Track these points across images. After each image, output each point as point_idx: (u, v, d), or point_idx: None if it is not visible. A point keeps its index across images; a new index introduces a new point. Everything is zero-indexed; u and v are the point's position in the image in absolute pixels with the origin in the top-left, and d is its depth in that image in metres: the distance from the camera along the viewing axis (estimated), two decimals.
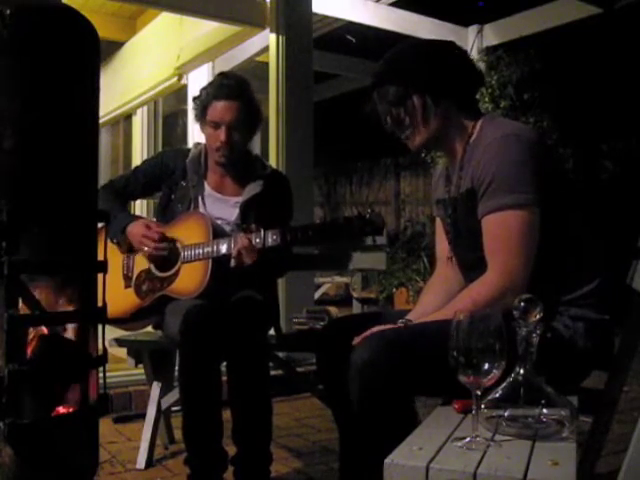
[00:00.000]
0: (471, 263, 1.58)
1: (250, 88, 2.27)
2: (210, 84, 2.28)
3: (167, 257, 2.25)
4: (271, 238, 2.03)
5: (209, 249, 2.14)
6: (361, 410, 1.40)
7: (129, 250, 2.32)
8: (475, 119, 1.58)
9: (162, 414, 2.49)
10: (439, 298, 1.64)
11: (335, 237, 2.00)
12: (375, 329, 1.52)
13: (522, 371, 1.18)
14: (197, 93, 2.30)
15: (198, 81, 4.73)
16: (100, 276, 1.49)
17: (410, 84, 1.56)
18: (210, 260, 2.14)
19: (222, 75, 2.33)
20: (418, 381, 1.38)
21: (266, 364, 2.08)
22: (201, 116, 2.25)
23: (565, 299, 1.47)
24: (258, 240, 2.04)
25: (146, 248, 2.22)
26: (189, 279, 2.18)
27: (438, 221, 1.75)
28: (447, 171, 1.68)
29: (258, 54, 4.61)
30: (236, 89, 2.21)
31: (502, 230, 1.43)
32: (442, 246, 1.74)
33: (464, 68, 1.62)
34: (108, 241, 2.09)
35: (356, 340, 1.48)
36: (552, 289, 1.45)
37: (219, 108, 2.20)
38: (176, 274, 2.22)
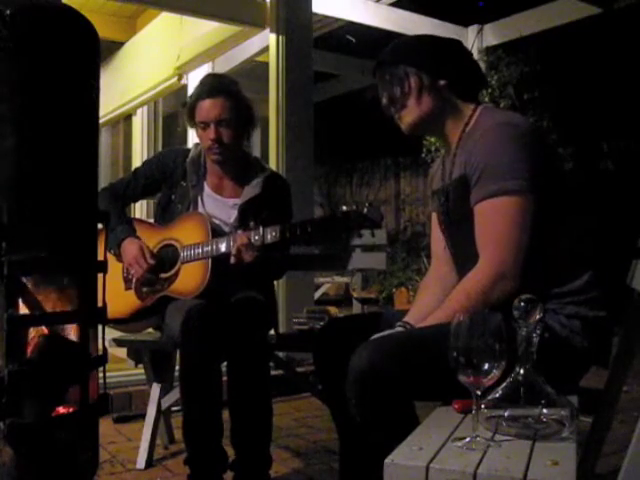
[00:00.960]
0: (464, 253, 1.57)
1: (237, 86, 2.27)
2: (195, 87, 2.29)
3: (167, 258, 2.25)
4: (270, 235, 2.03)
5: (208, 248, 2.14)
6: (361, 416, 1.40)
7: None
8: (474, 108, 1.58)
9: (162, 414, 2.49)
10: (435, 297, 1.64)
11: (334, 231, 2.00)
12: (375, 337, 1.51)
13: (522, 371, 1.18)
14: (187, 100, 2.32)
15: (198, 81, 4.73)
16: (100, 276, 1.49)
17: (408, 63, 1.57)
18: (210, 259, 2.14)
19: (206, 76, 2.37)
20: (417, 386, 1.38)
21: (267, 365, 2.08)
22: (190, 120, 2.26)
23: (558, 292, 1.46)
24: (257, 237, 2.04)
25: (132, 271, 2.23)
26: (189, 279, 2.18)
27: (434, 216, 1.75)
28: (443, 161, 1.68)
29: (258, 54, 4.61)
30: (218, 86, 2.23)
31: (493, 217, 1.43)
32: (437, 242, 1.73)
33: (466, 61, 1.63)
34: None
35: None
36: (543, 282, 1.44)
37: (204, 107, 2.21)
38: (176, 274, 2.22)
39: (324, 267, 4.01)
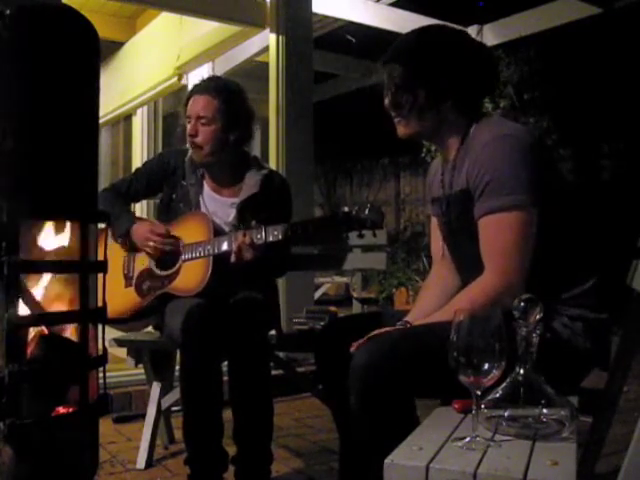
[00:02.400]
0: (466, 262, 1.57)
1: (234, 90, 2.27)
2: None
3: (168, 256, 2.26)
4: (272, 234, 2.03)
5: (210, 247, 2.14)
6: (361, 414, 1.40)
7: (131, 250, 2.32)
8: (474, 121, 1.56)
9: (162, 414, 2.49)
10: (436, 299, 1.64)
11: (335, 231, 2.00)
12: (374, 334, 1.51)
13: (522, 371, 1.18)
14: None
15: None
16: (100, 276, 1.49)
17: (421, 76, 1.53)
18: (211, 258, 2.14)
19: (208, 76, 2.40)
20: (418, 384, 1.38)
21: (267, 364, 2.08)
22: (185, 116, 2.29)
23: (563, 297, 1.47)
24: (259, 236, 2.04)
25: (151, 243, 2.23)
26: (190, 277, 2.18)
27: (433, 220, 1.75)
28: (442, 169, 1.68)
29: (258, 54, 4.61)
30: (210, 84, 2.25)
31: (498, 232, 1.43)
32: (437, 245, 1.74)
33: (483, 72, 1.58)
34: (109, 241, 2.10)
35: (354, 346, 1.48)
36: (550, 288, 1.45)
37: (191, 103, 2.25)
38: (177, 272, 2.22)
39: (324, 267, 4.01)
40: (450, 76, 1.53)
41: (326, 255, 2.66)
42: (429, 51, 1.56)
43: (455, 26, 1.71)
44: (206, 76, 2.43)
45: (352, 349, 1.49)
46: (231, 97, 2.24)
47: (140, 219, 2.37)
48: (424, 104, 1.54)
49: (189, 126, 2.24)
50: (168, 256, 2.26)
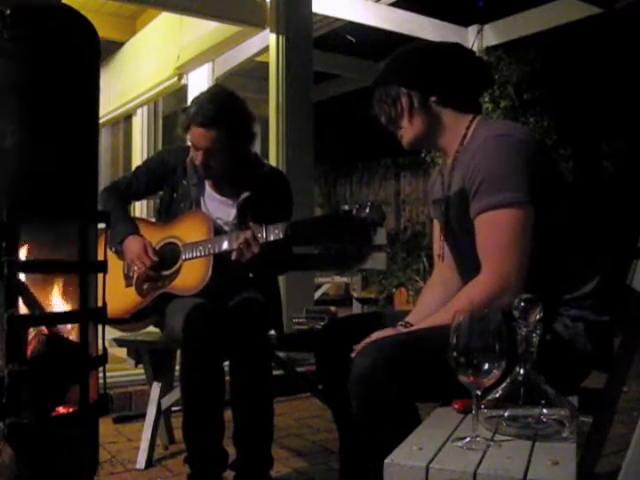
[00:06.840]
0: (467, 263, 1.57)
1: (233, 106, 2.21)
2: (194, 102, 2.21)
3: (168, 256, 2.26)
4: (273, 233, 2.03)
5: (210, 246, 2.14)
6: (362, 419, 1.40)
7: None
8: (470, 119, 1.58)
9: (162, 414, 2.49)
10: (438, 299, 1.65)
11: (336, 229, 2.00)
12: (374, 336, 1.51)
13: (522, 371, 1.18)
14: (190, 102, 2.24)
15: (198, 81, 4.73)
16: (100, 276, 1.49)
17: (398, 82, 1.58)
18: (211, 257, 2.14)
19: (205, 96, 2.24)
20: (419, 388, 1.38)
21: (269, 366, 2.08)
22: (184, 133, 2.23)
23: (564, 299, 1.47)
24: (260, 235, 2.04)
25: (135, 267, 2.24)
26: (190, 276, 2.18)
27: (435, 223, 1.75)
28: (442, 171, 1.69)
29: (258, 54, 4.61)
30: (212, 116, 2.14)
31: (494, 229, 1.43)
32: (438, 247, 1.74)
33: (466, 69, 1.61)
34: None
35: (356, 349, 1.48)
36: (551, 289, 1.45)
37: (196, 134, 2.16)
38: (177, 271, 2.22)
39: (324, 267, 4.01)
40: (425, 69, 1.59)
41: (327, 255, 2.66)
42: (399, 58, 1.64)
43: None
44: (212, 75, 2.39)
45: (353, 355, 1.49)
46: (231, 118, 2.18)
47: (137, 223, 2.34)
48: (409, 105, 1.57)
49: (197, 154, 2.18)
50: (168, 255, 2.26)
